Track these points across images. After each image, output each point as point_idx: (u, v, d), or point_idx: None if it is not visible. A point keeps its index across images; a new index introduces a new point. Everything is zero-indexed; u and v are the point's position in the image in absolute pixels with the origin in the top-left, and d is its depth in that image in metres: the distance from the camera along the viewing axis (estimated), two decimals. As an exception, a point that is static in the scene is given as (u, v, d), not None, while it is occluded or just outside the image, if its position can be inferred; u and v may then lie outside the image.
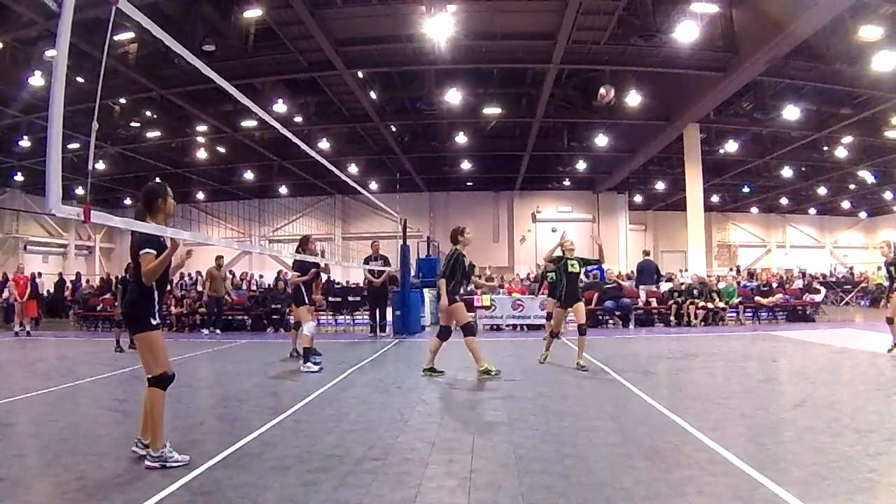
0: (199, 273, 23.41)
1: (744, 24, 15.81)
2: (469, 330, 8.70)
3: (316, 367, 9.26)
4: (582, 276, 10.79)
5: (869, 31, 15.00)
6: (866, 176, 30.56)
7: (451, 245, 9.09)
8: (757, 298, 18.69)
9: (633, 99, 19.65)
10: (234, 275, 22.65)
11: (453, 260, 8.76)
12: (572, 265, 9.55)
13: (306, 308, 9.86)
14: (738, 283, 20.34)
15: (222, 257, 18.08)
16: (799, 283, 21.86)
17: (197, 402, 6.73)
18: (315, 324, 9.79)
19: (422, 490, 4.06)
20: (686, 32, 15.00)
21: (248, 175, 31.17)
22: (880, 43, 15.30)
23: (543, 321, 15.13)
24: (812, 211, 41.07)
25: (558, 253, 9.84)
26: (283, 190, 34.57)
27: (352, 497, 3.94)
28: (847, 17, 14.63)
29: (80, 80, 15.05)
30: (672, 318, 17.56)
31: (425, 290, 17.51)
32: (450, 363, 9.04)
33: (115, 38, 15.43)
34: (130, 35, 15.80)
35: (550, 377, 8.88)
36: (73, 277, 29.23)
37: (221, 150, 26.93)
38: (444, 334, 8.84)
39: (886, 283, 12.36)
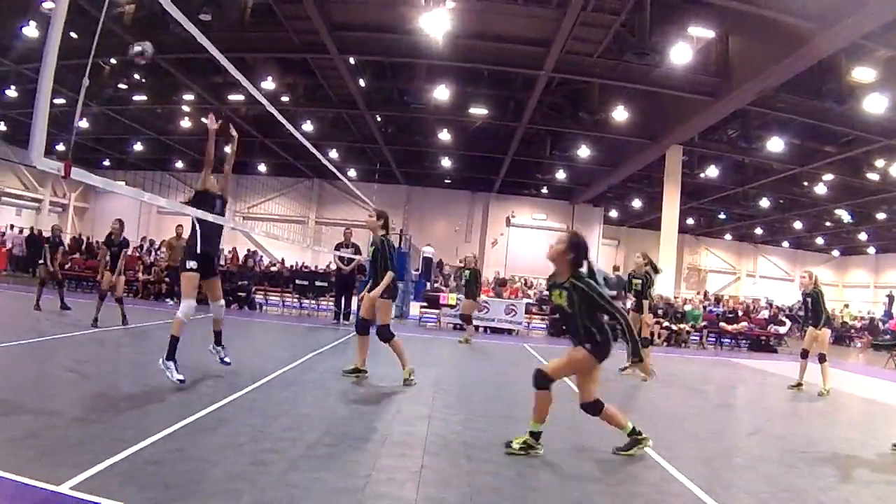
0: (164, 241, 23.02)
1: (739, 52, 15.88)
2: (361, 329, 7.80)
3: (175, 376, 6.24)
4: None
5: (863, 73, 15.14)
6: (843, 215, 30.73)
7: (382, 232, 7.84)
8: (721, 324, 18.87)
9: (620, 114, 19.75)
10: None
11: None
12: (636, 285, 10.26)
13: (187, 275, 6.78)
14: (705, 308, 20.51)
15: (182, 226, 17.56)
16: (765, 314, 22.13)
17: (155, 372, 6.57)
18: (193, 304, 6.59)
19: (371, 480, 4.02)
20: (680, 54, 15.12)
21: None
22: (873, 85, 15.46)
23: (508, 325, 15.12)
24: (785, 244, 41.50)
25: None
26: (262, 168, 34.23)
27: (300, 481, 3.87)
28: (843, 57, 14.75)
29: (73, 35, 14.77)
30: (635, 335, 17.57)
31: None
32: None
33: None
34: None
35: (506, 381, 8.89)
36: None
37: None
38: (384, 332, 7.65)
39: (801, 314, 12.39)
